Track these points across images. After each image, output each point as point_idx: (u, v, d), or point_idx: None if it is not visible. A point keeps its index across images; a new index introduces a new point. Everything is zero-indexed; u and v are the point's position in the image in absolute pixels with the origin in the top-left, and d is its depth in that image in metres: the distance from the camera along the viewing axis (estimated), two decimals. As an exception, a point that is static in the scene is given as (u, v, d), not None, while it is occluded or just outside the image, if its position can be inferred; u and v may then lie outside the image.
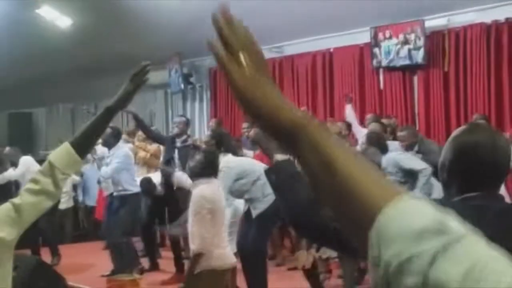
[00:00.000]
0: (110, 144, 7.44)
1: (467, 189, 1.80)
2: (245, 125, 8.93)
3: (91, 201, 10.84)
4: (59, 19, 11.05)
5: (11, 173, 9.10)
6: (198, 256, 4.65)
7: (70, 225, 11.07)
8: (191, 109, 12.79)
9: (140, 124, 8.37)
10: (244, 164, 6.34)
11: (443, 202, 1.78)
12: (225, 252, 4.85)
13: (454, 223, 0.69)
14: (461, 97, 8.91)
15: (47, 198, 2.14)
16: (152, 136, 8.54)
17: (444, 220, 0.68)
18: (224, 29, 0.91)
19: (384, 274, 0.68)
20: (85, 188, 10.98)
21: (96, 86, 12.98)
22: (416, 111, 9.40)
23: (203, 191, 4.82)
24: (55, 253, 8.78)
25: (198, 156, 5.06)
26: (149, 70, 2.23)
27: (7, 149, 9.62)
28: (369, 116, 8.56)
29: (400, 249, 0.67)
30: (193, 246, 4.70)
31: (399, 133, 7.09)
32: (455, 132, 1.91)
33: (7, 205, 2.10)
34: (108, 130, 7.71)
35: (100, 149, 8.07)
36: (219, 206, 4.87)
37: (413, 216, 0.69)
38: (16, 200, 2.11)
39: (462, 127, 1.97)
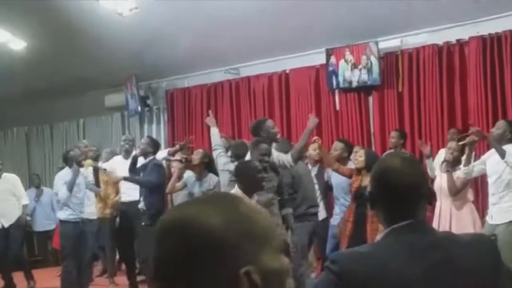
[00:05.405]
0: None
1: (393, 217, 1.79)
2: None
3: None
4: (12, 42, 10.88)
5: None
6: None
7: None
8: (148, 132, 12.66)
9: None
10: None
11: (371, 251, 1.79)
12: None
13: None
14: (415, 116, 9.06)
15: None
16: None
17: None
18: None
19: None
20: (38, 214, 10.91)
21: (50, 109, 12.81)
22: (372, 131, 9.52)
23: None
24: (30, 277, 8.81)
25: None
26: None
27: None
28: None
29: None
30: None
31: None
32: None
33: None
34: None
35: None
36: None
37: None
38: None
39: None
